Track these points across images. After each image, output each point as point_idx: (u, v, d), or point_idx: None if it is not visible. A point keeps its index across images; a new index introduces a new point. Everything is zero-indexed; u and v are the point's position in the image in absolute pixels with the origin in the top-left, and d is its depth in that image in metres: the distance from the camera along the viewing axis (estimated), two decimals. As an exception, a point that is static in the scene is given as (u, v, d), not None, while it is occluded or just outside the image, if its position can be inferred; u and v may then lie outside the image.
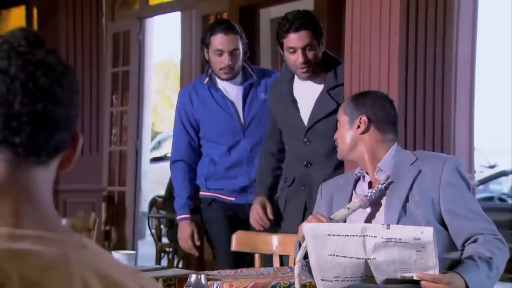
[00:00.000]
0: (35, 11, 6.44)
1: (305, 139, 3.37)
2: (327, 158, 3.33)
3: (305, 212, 3.34)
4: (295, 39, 3.29)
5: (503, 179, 9.19)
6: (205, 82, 3.67)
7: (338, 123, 2.72)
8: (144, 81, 7.77)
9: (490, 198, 8.57)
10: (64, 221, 3.70)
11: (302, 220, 3.30)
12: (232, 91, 3.67)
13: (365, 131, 2.63)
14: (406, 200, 2.52)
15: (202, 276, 2.28)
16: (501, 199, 8.59)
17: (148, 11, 7.83)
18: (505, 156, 11.77)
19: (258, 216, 3.39)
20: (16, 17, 7.78)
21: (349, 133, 2.65)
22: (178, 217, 3.68)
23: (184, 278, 2.52)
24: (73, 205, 4.96)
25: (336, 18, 5.60)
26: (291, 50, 3.30)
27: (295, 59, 3.31)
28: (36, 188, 0.96)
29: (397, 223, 2.46)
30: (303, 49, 3.29)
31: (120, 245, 7.20)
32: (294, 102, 3.40)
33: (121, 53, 7.81)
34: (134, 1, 7.97)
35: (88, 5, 5.27)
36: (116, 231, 7.48)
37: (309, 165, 3.36)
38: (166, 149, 13.05)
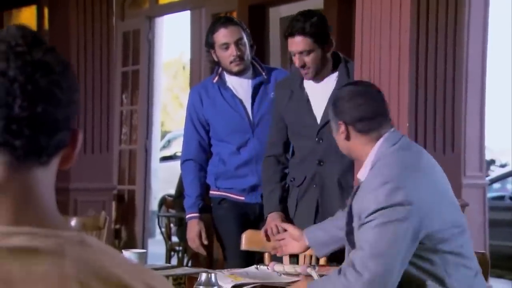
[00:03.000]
0: (46, 11, 6.46)
1: (317, 138, 3.35)
2: (340, 157, 3.24)
3: (317, 211, 3.33)
4: (291, 44, 3.32)
5: (514, 178, 9.16)
6: (214, 81, 3.67)
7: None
8: (154, 80, 7.78)
9: (501, 197, 8.54)
10: (74, 220, 3.70)
11: (315, 221, 3.32)
12: (242, 89, 3.66)
13: (348, 136, 2.55)
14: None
15: (213, 275, 2.27)
16: (512, 198, 8.56)
17: (157, 10, 7.84)
18: (516, 155, 11.72)
19: (277, 230, 3.21)
20: (27, 16, 7.81)
21: (338, 140, 2.61)
22: (187, 216, 3.68)
23: (194, 277, 2.51)
24: (83, 204, 4.97)
25: (346, 15, 5.58)
26: (292, 53, 3.34)
27: (295, 62, 3.35)
28: (36, 188, 0.95)
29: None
30: (299, 54, 3.30)
31: (130, 244, 7.21)
32: (308, 101, 3.39)
33: (131, 52, 7.83)
34: (144, 0, 7.98)
35: (98, 5, 5.28)
36: (126, 229, 7.49)
37: (321, 163, 3.34)
38: (176, 148, 13.05)
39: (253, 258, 3.42)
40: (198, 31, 7.58)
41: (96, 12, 5.28)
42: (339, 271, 2.35)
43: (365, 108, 2.54)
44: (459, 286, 2.41)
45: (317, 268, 2.70)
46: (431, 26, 3.62)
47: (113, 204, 5.27)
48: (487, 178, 4.20)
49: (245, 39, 3.60)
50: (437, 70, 3.64)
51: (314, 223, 3.25)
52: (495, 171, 10.19)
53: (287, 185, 3.46)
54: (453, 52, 3.67)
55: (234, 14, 6.68)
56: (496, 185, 8.88)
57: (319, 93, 3.39)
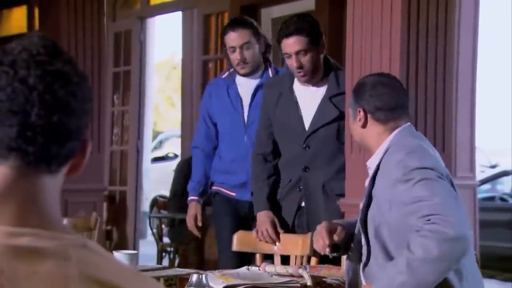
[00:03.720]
0: (36, 11, 6.44)
1: (304, 145, 3.37)
2: (328, 163, 3.35)
3: (296, 214, 3.37)
4: (287, 45, 3.34)
5: (504, 179, 9.18)
6: (223, 77, 3.83)
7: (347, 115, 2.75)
8: (146, 80, 7.77)
9: (492, 198, 8.56)
10: (65, 221, 3.69)
11: (293, 222, 3.35)
12: (247, 88, 3.75)
13: (365, 124, 2.57)
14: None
15: (204, 275, 2.27)
16: (502, 199, 8.58)
17: (149, 10, 7.83)
18: (506, 155, 11.76)
19: (267, 233, 3.29)
20: (18, 17, 7.79)
21: (354, 127, 2.62)
22: (188, 199, 3.87)
23: (185, 278, 2.51)
24: (74, 205, 4.96)
25: (338, 15, 5.59)
26: (287, 55, 3.35)
27: (291, 64, 3.36)
28: (42, 194, 0.96)
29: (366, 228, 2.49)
30: (296, 54, 3.32)
31: (122, 245, 7.20)
32: (297, 105, 3.41)
33: (122, 52, 7.81)
34: (136, 0, 7.97)
35: (89, 5, 5.27)
36: (118, 230, 7.47)
37: (307, 170, 3.36)
38: (167, 148, 13.05)
39: (246, 254, 3.42)
40: (189, 32, 7.58)
41: (87, 12, 5.27)
42: (407, 246, 2.27)
43: (387, 98, 2.57)
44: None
45: (308, 268, 2.71)
46: (422, 26, 3.63)
47: (104, 205, 5.26)
48: (477, 179, 4.20)
49: (252, 42, 3.71)
50: (427, 71, 3.65)
51: (293, 226, 3.34)
52: (485, 172, 10.21)
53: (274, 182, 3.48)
54: (444, 52, 3.68)
55: (226, 15, 6.68)
56: (487, 186, 8.90)
57: (308, 99, 3.41)
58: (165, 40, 23.74)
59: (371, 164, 2.56)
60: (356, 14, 3.68)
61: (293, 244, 3.22)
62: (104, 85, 5.38)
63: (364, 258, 2.50)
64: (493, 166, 11.91)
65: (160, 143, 13.87)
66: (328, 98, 3.37)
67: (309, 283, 2.57)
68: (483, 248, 4.20)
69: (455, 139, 3.78)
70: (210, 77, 6.89)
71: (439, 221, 2.24)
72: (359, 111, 2.58)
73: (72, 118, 0.97)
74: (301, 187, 3.36)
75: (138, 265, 3.11)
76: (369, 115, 2.56)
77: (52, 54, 0.97)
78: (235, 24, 3.74)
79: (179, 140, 8.41)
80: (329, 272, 2.69)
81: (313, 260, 3.04)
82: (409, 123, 2.59)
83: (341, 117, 3.34)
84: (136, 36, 7.67)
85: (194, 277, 2.25)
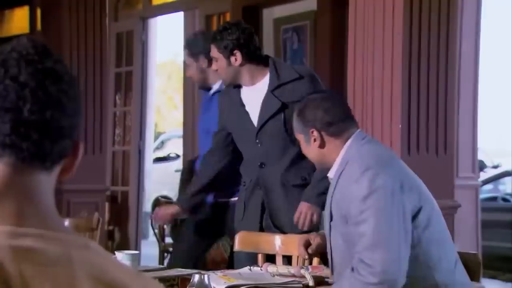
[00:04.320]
0: (38, 12, 6.44)
1: (257, 141, 3.48)
2: (279, 158, 3.45)
3: (263, 213, 3.48)
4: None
5: (506, 179, 9.17)
6: None
7: (298, 142, 2.72)
8: (147, 81, 7.77)
9: (494, 198, 8.56)
10: (67, 221, 3.69)
11: (261, 221, 3.45)
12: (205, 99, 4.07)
13: (322, 143, 2.57)
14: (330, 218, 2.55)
15: (206, 276, 2.27)
16: (504, 199, 8.57)
17: (151, 11, 7.82)
18: (508, 156, 11.74)
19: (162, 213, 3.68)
20: (20, 17, 7.78)
21: (311, 150, 2.61)
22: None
23: (187, 278, 2.51)
24: (76, 205, 4.96)
25: (339, 17, 5.58)
26: (215, 59, 3.54)
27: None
28: (39, 191, 0.97)
29: (330, 239, 2.56)
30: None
31: (123, 245, 7.19)
32: (243, 105, 3.53)
33: (124, 53, 7.80)
34: (137, 1, 7.97)
35: (91, 6, 5.26)
36: (119, 231, 7.47)
37: (263, 166, 3.47)
38: (169, 149, 13.04)
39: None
40: (191, 33, 7.56)
41: (89, 12, 5.26)
42: (352, 269, 2.39)
43: (333, 111, 2.58)
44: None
45: (310, 269, 2.71)
46: (424, 28, 3.62)
47: (106, 205, 5.24)
48: (479, 179, 4.20)
49: (189, 62, 3.96)
50: (429, 72, 3.64)
51: (260, 223, 3.43)
52: (487, 172, 10.20)
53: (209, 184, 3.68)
54: (446, 54, 3.67)
55: (228, 16, 6.67)
56: (489, 186, 8.89)
57: (254, 97, 3.51)
58: (167, 40, 23.74)
59: (331, 175, 2.58)
60: (358, 15, 3.68)
61: (295, 244, 3.12)
62: (106, 85, 5.38)
63: (330, 266, 2.60)
64: (495, 167, 11.91)
65: (162, 143, 13.87)
66: (270, 92, 3.47)
67: (311, 283, 2.57)
68: (485, 249, 4.21)
69: (457, 140, 3.78)
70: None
71: (365, 267, 2.35)
72: (312, 132, 2.57)
73: (64, 116, 0.98)
74: (260, 184, 3.48)
75: (140, 266, 3.11)
76: (322, 133, 2.56)
77: (42, 53, 0.98)
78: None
79: (180, 141, 8.40)
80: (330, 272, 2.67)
81: (315, 260, 3.04)
82: (359, 129, 2.61)
83: (284, 107, 3.43)
84: (138, 37, 7.66)
85: (196, 278, 2.25)
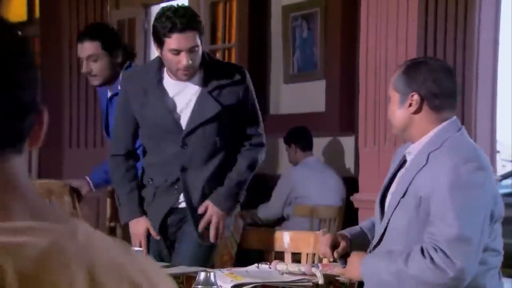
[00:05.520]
0: (37, -1, 6.33)
1: (182, 143, 3.15)
2: (205, 163, 3.16)
3: (167, 215, 3.21)
4: (180, 41, 3.02)
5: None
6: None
7: (389, 98, 2.53)
8: (150, 70, 7.66)
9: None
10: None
11: (164, 221, 3.21)
12: (103, 97, 3.88)
13: (418, 110, 2.41)
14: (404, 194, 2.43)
15: (212, 274, 2.22)
16: (523, 195, 8.43)
17: (154, -2, 7.71)
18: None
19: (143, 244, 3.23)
20: (17, 5, 7.72)
21: (400, 112, 2.45)
22: None
23: (192, 276, 2.47)
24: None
25: (351, 4, 5.45)
26: (175, 52, 3.04)
27: (178, 61, 3.05)
28: (17, 176, 0.92)
29: (391, 214, 2.46)
30: (189, 51, 3.03)
31: (126, 242, 7.10)
32: (170, 102, 3.15)
33: (126, 41, 7.69)
34: (140, -12, 7.85)
35: (92, -8, 5.17)
36: (121, 227, 7.35)
37: (184, 169, 3.16)
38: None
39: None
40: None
41: (89, 0, 5.17)
42: (422, 253, 2.32)
43: (444, 84, 2.42)
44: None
45: (320, 267, 2.66)
46: (440, 14, 3.53)
47: (108, 201, 5.13)
48: (498, 174, 4.10)
49: (101, 55, 3.70)
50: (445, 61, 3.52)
51: (160, 225, 3.20)
52: (506, 167, 10.07)
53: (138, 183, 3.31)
54: (463, 43, 3.60)
55: (234, 3, 6.54)
56: (508, 181, 8.75)
57: (183, 95, 3.16)
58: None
59: (413, 149, 2.45)
60: (371, 1, 3.58)
61: (304, 242, 3.17)
62: (107, 75, 5.25)
63: (375, 241, 2.51)
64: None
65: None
66: (208, 93, 3.13)
67: (321, 281, 2.53)
68: (505, 246, 4.07)
69: (474, 132, 3.70)
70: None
71: (444, 258, 2.29)
72: (412, 96, 2.41)
73: (23, 90, 0.92)
74: (176, 187, 3.18)
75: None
76: (425, 102, 2.41)
77: None
78: (82, 36, 3.77)
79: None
80: (342, 271, 2.64)
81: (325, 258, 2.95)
82: (455, 117, 2.47)
83: (223, 111, 3.12)
84: (140, 24, 7.59)
85: (202, 275, 2.20)
